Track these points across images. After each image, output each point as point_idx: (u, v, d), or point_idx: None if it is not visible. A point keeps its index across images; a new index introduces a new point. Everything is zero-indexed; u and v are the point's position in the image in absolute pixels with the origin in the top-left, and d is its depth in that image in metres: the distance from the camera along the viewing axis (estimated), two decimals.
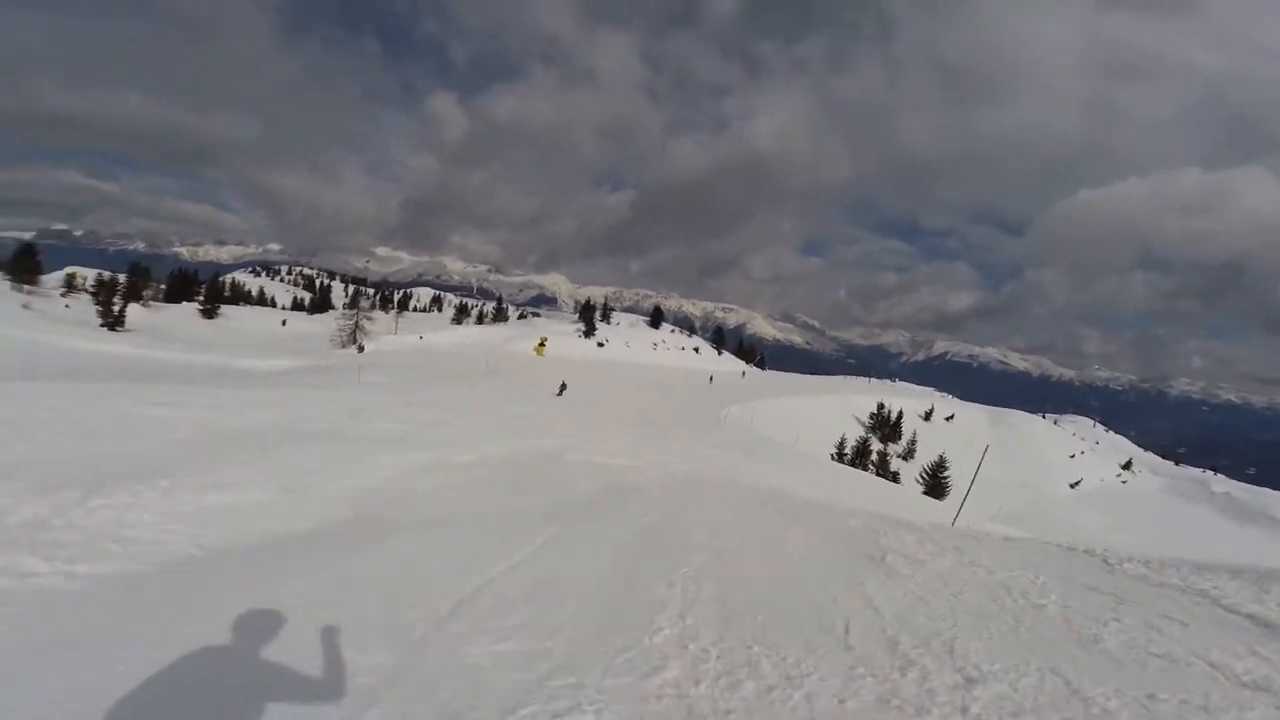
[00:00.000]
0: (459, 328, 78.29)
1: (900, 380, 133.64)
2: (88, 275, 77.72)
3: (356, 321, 58.00)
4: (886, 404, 66.95)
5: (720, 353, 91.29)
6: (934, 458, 45.78)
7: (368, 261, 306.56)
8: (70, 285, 73.09)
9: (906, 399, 73.96)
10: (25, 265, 66.18)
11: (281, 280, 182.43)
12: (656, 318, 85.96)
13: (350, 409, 12.92)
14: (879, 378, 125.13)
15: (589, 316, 73.28)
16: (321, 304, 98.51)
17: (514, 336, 66.35)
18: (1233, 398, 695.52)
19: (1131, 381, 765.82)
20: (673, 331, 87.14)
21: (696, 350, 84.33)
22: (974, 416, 78.95)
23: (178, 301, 77.14)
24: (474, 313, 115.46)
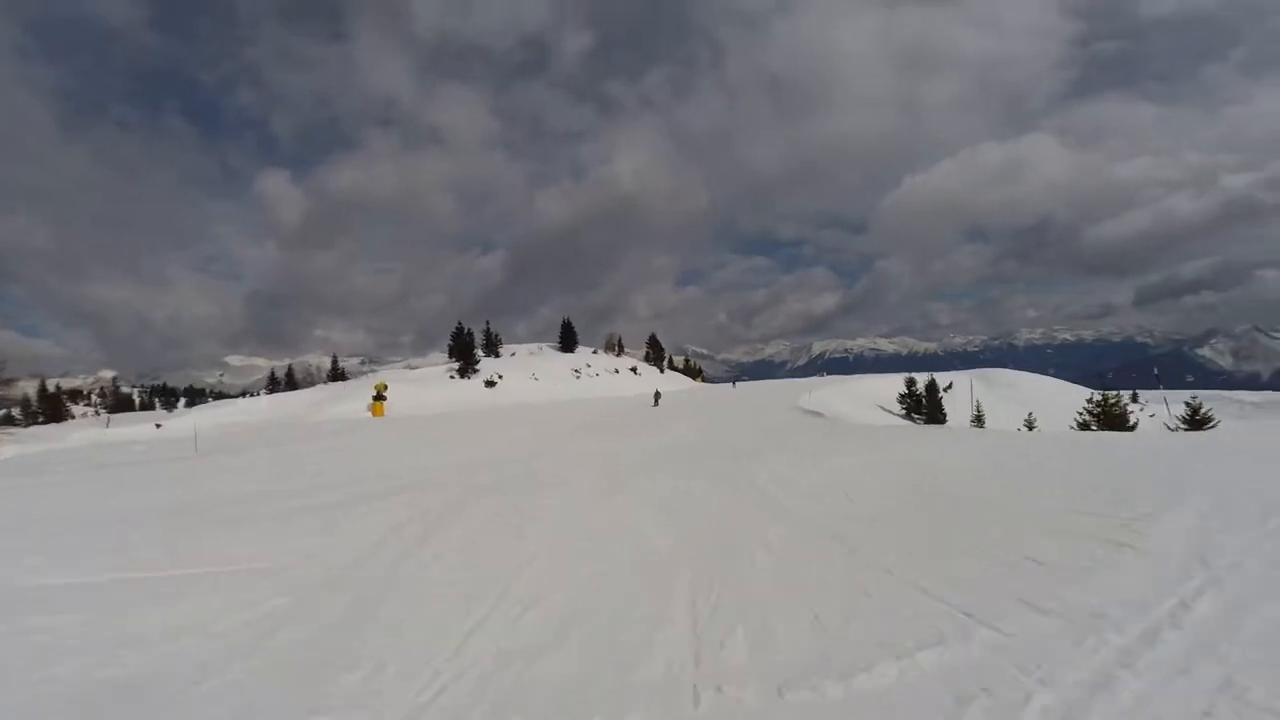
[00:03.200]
0: (252, 400, 45.54)
1: (828, 374, 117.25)
2: None
3: None
4: (915, 380, 43.74)
5: (663, 370, 64.35)
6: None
7: (221, 375, 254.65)
8: None
9: (888, 381, 51.77)
10: None
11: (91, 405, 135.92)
12: (568, 338, 57.44)
13: None
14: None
15: (465, 348, 43.63)
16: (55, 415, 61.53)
17: (329, 398, 35.59)
18: (1068, 337, 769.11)
19: (984, 341, 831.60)
20: (595, 353, 59.11)
21: (634, 370, 56.73)
22: (964, 382, 57.85)
23: None
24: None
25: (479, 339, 51.73)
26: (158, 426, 31.84)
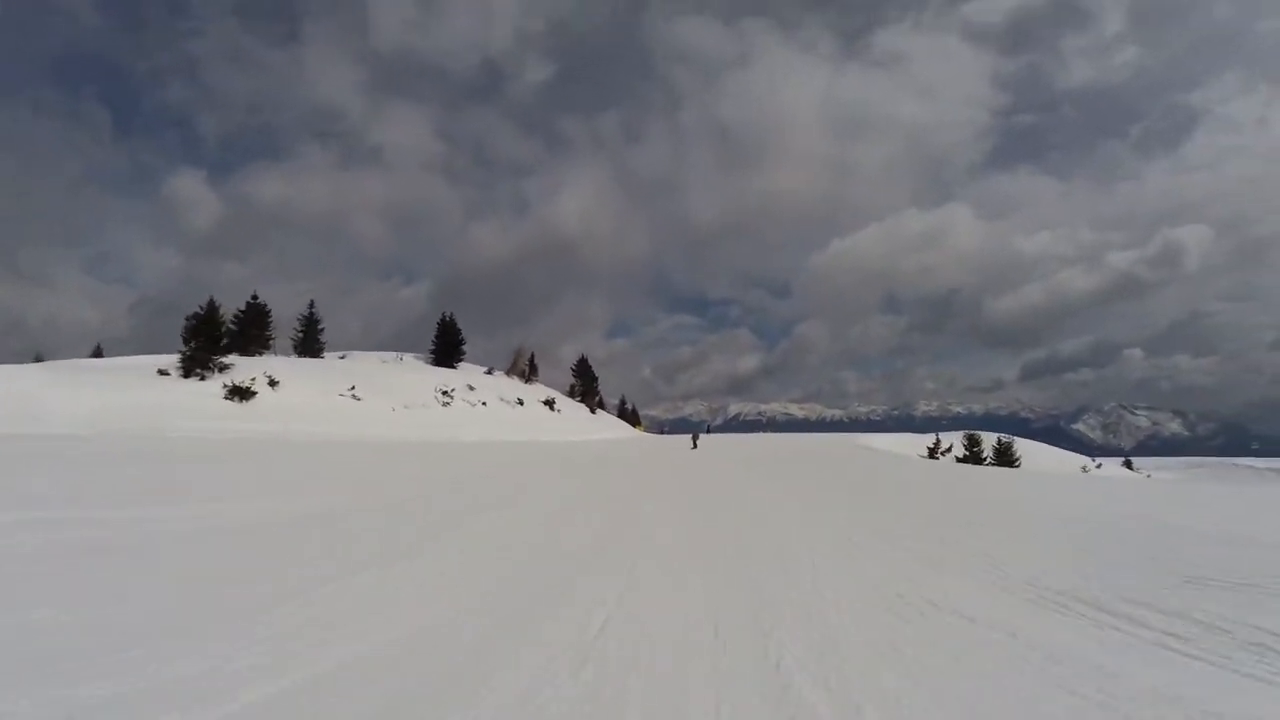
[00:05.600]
0: None
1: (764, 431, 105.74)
2: None
3: None
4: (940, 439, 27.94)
5: (594, 410, 44.22)
6: None
7: None
8: None
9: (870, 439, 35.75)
10: None
11: None
12: (447, 345, 36.07)
13: None
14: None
15: (208, 329, 21.51)
16: None
17: None
18: (960, 410, 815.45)
19: (885, 411, 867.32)
20: (490, 373, 38.05)
21: (551, 405, 36.16)
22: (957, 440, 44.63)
23: None
24: None
25: (292, 328, 29.86)
26: None
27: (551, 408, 36.61)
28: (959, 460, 26.67)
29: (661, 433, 61.14)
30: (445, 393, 26.69)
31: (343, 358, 30.39)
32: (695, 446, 25.10)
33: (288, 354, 29.63)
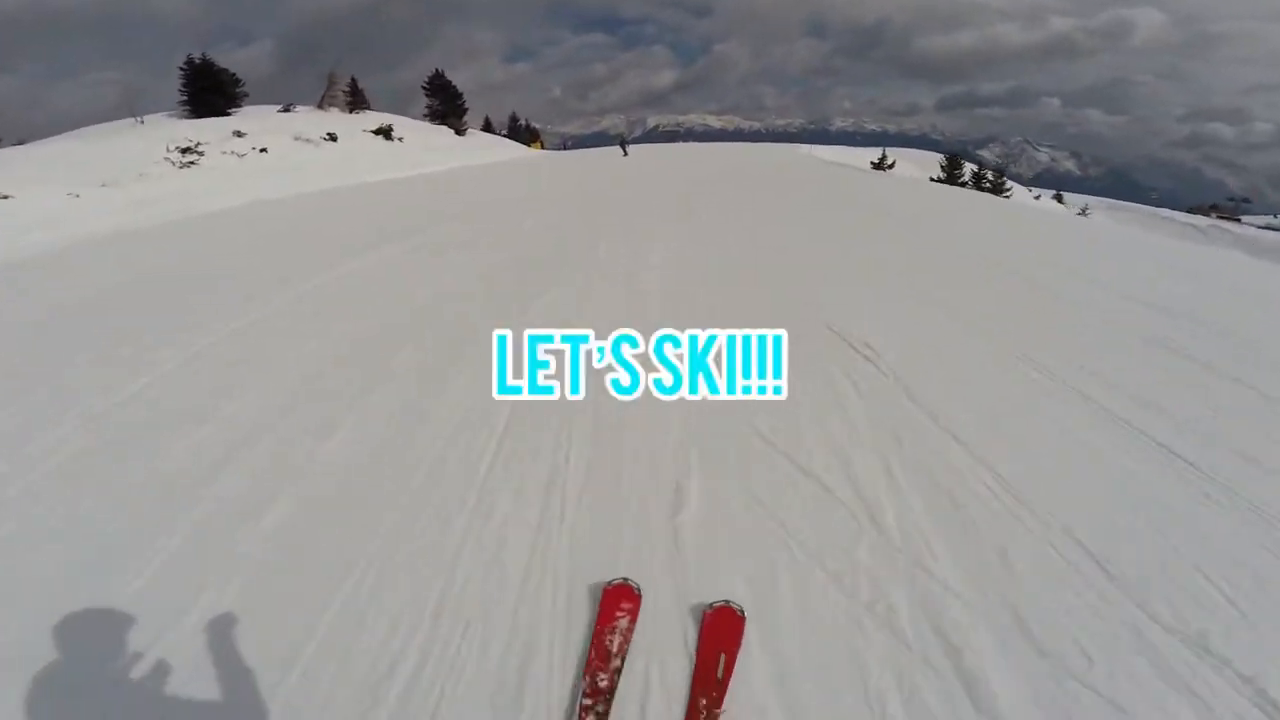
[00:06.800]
0: None
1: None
2: None
3: None
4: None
5: (461, 131, 36.35)
6: None
7: None
8: None
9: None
10: None
11: None
12: (206, 90, 25.37)
13: None
14: None
15: None
16: None
17: None
18: (875, 128, 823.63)
19: (802, 124, 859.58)
20: (286, 109, 28.28)
21: (386, 133, 28.13)
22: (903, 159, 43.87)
23: None
24: None
25: None
26: None
27: (388, 137, 28.43)
28: (936, 181, 25.52)
29: (564, 148, 51.59)
30: (185, 150, 18.36)
31: (20, 143, 20.53)
32: (625, 154, 25.17)
33: None
